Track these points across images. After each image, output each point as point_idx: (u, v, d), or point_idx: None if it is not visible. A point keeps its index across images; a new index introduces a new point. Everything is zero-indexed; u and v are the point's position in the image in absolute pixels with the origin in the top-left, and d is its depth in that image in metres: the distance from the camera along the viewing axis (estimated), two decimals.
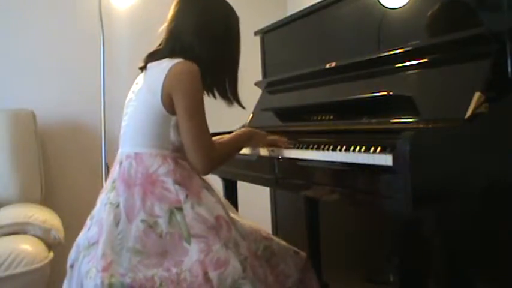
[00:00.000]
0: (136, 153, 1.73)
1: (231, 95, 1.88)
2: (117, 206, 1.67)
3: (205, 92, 1.84)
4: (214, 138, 1.86)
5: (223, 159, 1.85)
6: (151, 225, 1.63)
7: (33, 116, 3.23)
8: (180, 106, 1.70)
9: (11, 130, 3.12)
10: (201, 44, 1.79)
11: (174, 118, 1.72)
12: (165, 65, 1.72)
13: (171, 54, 1.77)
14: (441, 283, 1.51)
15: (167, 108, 1.70)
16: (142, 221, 1.64)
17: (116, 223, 1.64)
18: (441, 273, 1.50)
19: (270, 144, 1.98)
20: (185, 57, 1.75)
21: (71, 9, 3.49)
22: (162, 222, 1.64)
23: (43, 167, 3.24)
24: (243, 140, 1.96)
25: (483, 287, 1.66)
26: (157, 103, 1.70)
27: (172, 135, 1.73)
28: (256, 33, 2.81)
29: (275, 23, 2.68)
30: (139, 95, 1.78)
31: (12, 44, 3.42)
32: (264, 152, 2.02)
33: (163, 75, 1.70)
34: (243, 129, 1.99)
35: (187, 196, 1.68)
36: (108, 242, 1.61)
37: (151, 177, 1.69)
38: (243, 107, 1.94)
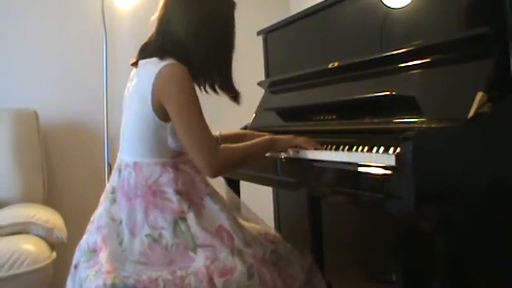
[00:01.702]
0: (135, 163, 1.71)
1: (233, 86, 1.81)
2: (120, 222, 1.66)
3: (202, 89, 1.79)
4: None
5: (234, 163, 1.79)
6: (156, 239, 1.62)
7: (36, 115, 3.23)
8: (172, 113, 1.64)
9: (13, 130, 3.13)
10: (194, 37, 1.72)
11: (169, 125, 1.68)
12: (152, 69, 1.66)
13: (160, 51, 1.70)
14: (444, 283, 1.51)
15: (160, 116, 1.66)
16: (147, 235, 1.63)
17: (120, 242, 1.63)
18: (444, 273, 1.50)
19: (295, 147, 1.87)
20: (175, 54, 1.68)
21: (74, 9, 3.50)
22: (167, 233, 1.63)
23: (46, 167, 3.24)
24: (262, 147, 1.85)
25: (486, 287, 1.66)
26: (150, 112, 1.66)
27: (170, 142, 1.70)
28: (259, 33, 2.81)
29: (278, 22, 2.68)
30: (132, 98, 1.74)
31: (14, 44, 3.43)
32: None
33: (151, 82, 1.64)
34: (265, 136, 1.90)
35: (189, 206, 1.67)
36: (111, 254, 1.60)
37: (151, 188, 1.67)
38: (238, 98, 1.83)
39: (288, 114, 2.36)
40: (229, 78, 1.81)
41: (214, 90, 1.81)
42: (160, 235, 1.63)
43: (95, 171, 3.40)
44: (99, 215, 1.72)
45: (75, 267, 1.71)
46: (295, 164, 1.86)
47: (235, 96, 1.82)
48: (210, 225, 1.67)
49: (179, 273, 1.56)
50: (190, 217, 1.65)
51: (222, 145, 1.77)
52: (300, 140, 1.84)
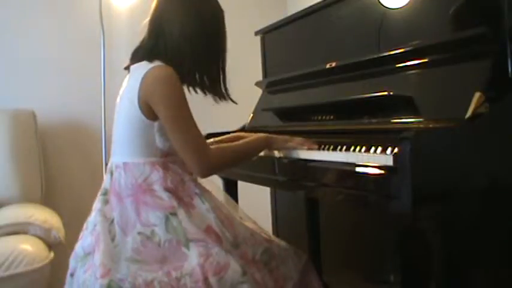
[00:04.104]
0: (124, 163, 1.72)
1: (220, 89, 1.82)
2: (112, 221, 1.67)
3: (192, 89, 1.80)
4: (224, 137, 1.87)
5: (225, 163, 1.81)
6: (148, 236, 1.63)
7: (34, 115, 3.23)
8: (162, 116, 1.66)
9: (11, 130, 3.12)
10: (188, 38, 1.74)
11: (156, 123, 1.69)
12: (140, 72, 1.68)
13: (151, 54, 1.73)
14: (441, 283, 1.51)
15: (147, 115, 1.68)
16: (139, 233, 1.63)
17: (112, 238, 1.64)
18: (441, 273, 1.50)
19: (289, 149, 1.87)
20: (165, 56, 1.71)
21: (72, 9, 3.50)
22: (159, 230, 1.63)
23: (43, 167, 3.24)
24: (255, 146, 1.88)
25: (483, 287, 1.66)
26: (137, 112, 1.68)
27: (158, 141, 1.70)
28: (256, 33, 2.81)
29: (275, 23, 2.68)
30: (121, 103, 1.77)
31: (12, 44, 3.42)
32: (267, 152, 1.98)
33: (138, 84, 1.67)
34: (260, 134, 1.92)
35: (179, 203, 1.67)
36: (105, 253, 1.60)
37: (141, 186, 1.68)
38: (234, 102, 1.84)
39: (285, 114, 2.36)
40: (215, 80, 1.82)
41: (203, 92, 1.82)
42: (152, 232, 1.63)
43: (92, 171, 3.40)
44: (92, 218, 1.73)
45: (71, 275, 1.71)
46: (292, 164, 1.87)
47: (220, 97, 1.82)
48: (200, 225, 1.67)
49: (174, 274, 1.57)
50: (181, 212, 1.65)
51: (213, 146, 1.79)
52: (295, 143, 1.85)
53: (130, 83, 1.74)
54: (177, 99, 1.67)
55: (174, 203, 1.66)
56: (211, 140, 2.02)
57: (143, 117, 1.68)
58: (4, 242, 2.56)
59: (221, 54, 1.82)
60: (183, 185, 1.73)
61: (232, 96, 1.84)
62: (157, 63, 1.70)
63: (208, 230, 1.68)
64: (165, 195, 1.67)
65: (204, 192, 1.76)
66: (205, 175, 1.74)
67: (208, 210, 1.71)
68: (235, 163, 1.90)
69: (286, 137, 1.90)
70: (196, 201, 1.72)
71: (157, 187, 1.68)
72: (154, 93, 1.66)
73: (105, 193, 1.74)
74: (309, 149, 1.81)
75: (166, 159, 1.73)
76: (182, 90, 1.70)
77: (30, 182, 3.14)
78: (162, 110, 1.66)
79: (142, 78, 1.67)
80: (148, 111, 1.67)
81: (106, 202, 1.71)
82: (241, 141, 1.87)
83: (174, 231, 1.63)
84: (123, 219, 1.66)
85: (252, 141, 1.88)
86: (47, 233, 2.70)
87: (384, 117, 1.76)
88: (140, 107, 1.67)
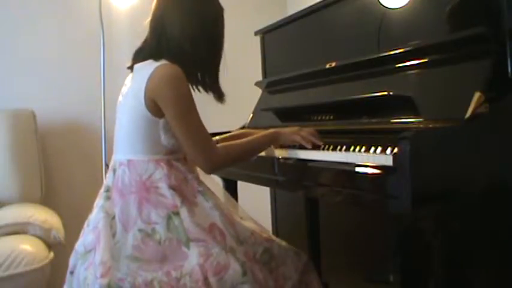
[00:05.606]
0: (129, 160, 1.72)
1: (217, 87, 1.83)
2: (113, 217, 1.67)
3: (195, 88, 1.82)
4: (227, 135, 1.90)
5: (232, 160, 1.82)
6: (149, 234, 1.63)
7: (34, 115, 3.23)
8: (169, 114, 1.68)
9: (11, 130, 3.12)
10: (189, 38, 1.75)
11: (161, 121, 1.70)
12: (147, 70, 1.69)
13: (155, 53, 1.74)
14: (441, 283, 1.51)
15: (152, 112, 1.68)
16: (140, 230, 1.63)
17: (113, 234, 1.64)
18: (441, 273, 1.50)
19: (295, 142, 1.87)
20: (170, 56, 1.72)
21: (72, 9, 3.50)
22: (160, 228, 1.63)
23: (43, 167, 3.24)
24: (262, 142, 1.89)
25: (483, 287, 1.66)
26: (142, 108, 1.68)
27: (163, 138, 1.71)
28: (256, 33, 2.81)
29: (275, 23, 2.68)
30: (126, 100, 1.78)
31: (12, 44, 3.42)
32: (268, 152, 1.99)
33: (145, 81, 1.67)
34: (269, 130, 1.93)
35: (182, 201, 1.68)
36: (106, 249, 1.60)
37: (145, 184, 1.68)
38: (223, 99, 1.85)
39: (285, 114, 2.36)
40: (216, 79, 1.84)
41: (206, 90, 1.84)
42: (153, 230, 1.64)
43: (92, 171, 3.40)
44: (93, 216, 1.73)
45: (71, 273, 1.71)
46: (292, 164, 1.86)
47: (220, 96, 1.84)
48: (203, 223, 1.68)
49: (174, 274, 1.57)
50: (184, 211, 1.66)
51: (220, 144, 1.80)
52: (302, 134, 1.85)
53: (135, 81, 1.75)
54: (184, 97, 1.68)
55: (178, 202, 1.67)
56: (217, 137, 2.03)
57: (149, 115, 1.69)
58: (4, 242, 2.57)
59: (220, 53, 1.83)
60: (186, 183, 1.74)
61: (229, 96, 1.85)
62: (163, 61, 1.71)
63: (212, 227, 1.69)
64: (168, 193, 1.68)
65: (207, 191, 1.78)
66: (211, 171, 1.78)
67: (212, 208, 1.72)
68: (241, 159, 1.91)
69: (295, 128, 1.90)
70: (200, 199, 1.73)
71: (162, 184, 1.69)
72: (162, 91, 1.67)
73: (108, 190, 1.74)
74: (314, 146, 1.81)
75: (170, 156, 1.74)
76: (189, 88, 1.72)
77: (30, 182, 3.14)
78: (169, 108, 1.67)
79: (149, 77, 1.67)
80: (154, 108, 1.68)
81: (108, 198, 1.72)
82: (246, 139, 1.88)
83: (175, 230, 1.64)
84: (124, 215, 1.66)
85: (258, 138, 1.89)
86: (47, 233, 2.71)
87: (383, 117, 1.75)
88: (146, 105, 1.68)
